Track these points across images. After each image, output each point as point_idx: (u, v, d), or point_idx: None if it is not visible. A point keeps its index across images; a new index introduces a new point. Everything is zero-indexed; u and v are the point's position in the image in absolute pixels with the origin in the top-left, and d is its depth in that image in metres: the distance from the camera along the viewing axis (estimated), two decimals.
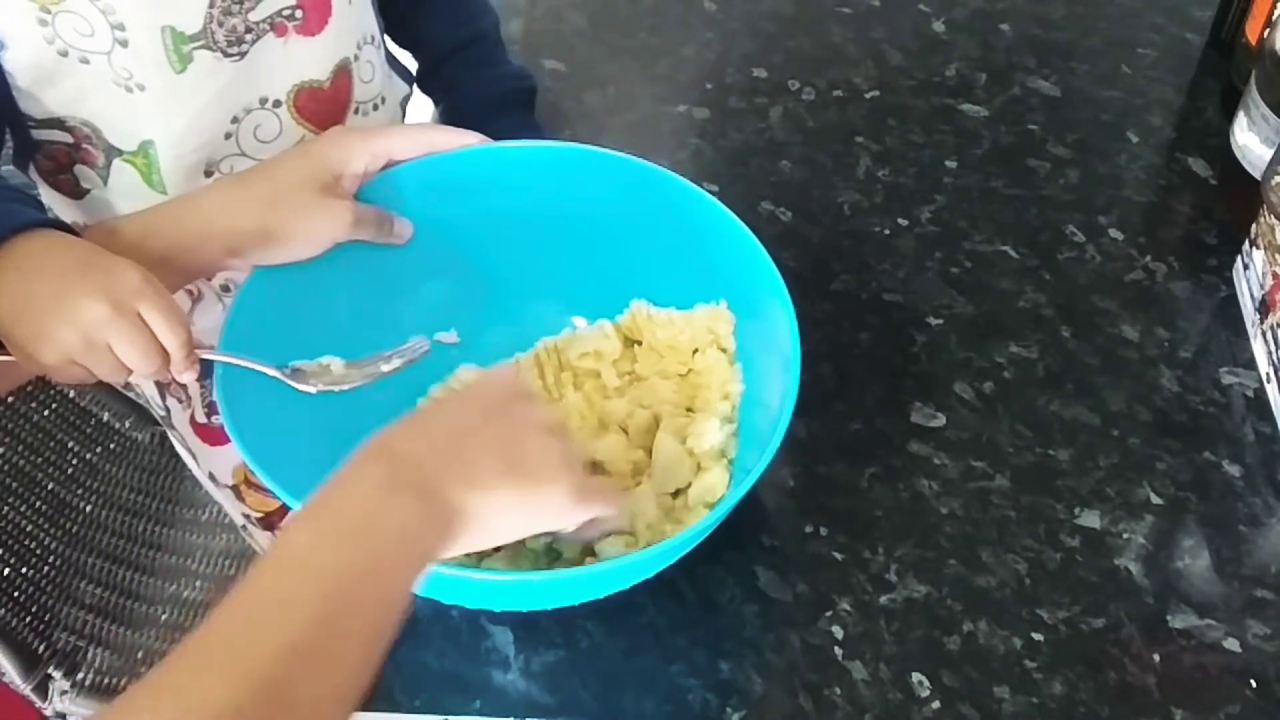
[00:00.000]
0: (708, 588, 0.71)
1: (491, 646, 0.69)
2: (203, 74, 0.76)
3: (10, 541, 1.06)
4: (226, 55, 0.76)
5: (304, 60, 0.81)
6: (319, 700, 0.45)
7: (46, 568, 1.09)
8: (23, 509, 1.10)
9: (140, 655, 1.11)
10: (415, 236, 0.76)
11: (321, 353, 0.70)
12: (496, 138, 0.77)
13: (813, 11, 1.14)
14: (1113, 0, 1.16)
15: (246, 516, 1.07)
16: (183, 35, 0.73)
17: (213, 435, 0.98)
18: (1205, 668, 0.68)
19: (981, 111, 1.04)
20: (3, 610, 1.01)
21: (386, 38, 0.93)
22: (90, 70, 0.73)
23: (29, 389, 1.14)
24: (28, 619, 1.04)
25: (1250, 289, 0.86)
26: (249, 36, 0.76)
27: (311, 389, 0.68)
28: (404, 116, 0.98)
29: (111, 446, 1.21)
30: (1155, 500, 0.76)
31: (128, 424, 1.23)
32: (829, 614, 0.70)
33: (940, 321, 0.87)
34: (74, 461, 1.17)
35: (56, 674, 1.04)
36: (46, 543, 1.10)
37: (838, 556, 0.73)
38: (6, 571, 1.04)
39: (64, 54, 0.72)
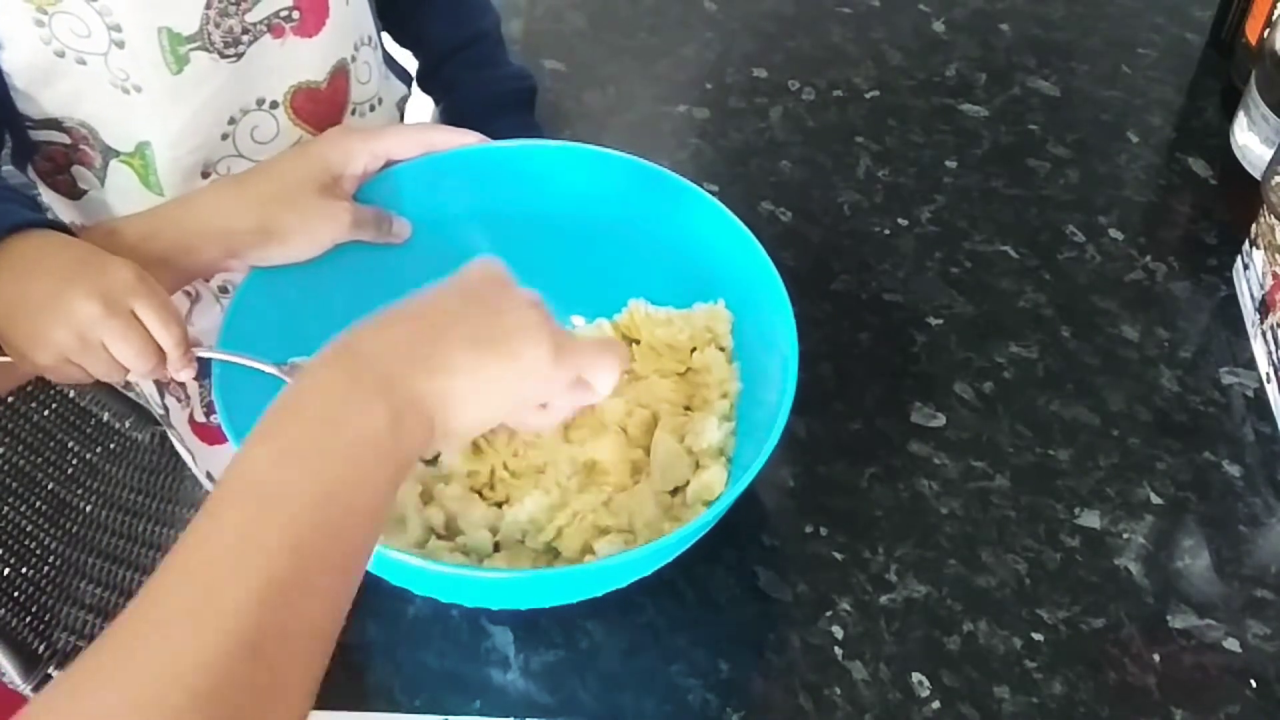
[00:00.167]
0: (708, 588, 0.71)
1: (491, 646, 0.69)
2: (199, 75, 0.76)
3: (10, 541, 1.06)
4: (223, 56, 0.76)
5: (301, 61, 0.81)
6: (298, 639, 0.41)
7: (46, 568, 1.09)
8: (23, 509, 1.10)
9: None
10: (414, 236, 0.76)
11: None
12: (496, 138, 0.77)
13: (813, 11, 1.14)
14: (1113, 0, 1.16)
15: None
16: (179, 36, 0.73)
17: (211, 434, 0.98)
18: (1205, 668, 0.68)
19: (981, 111, 1.04)
20: (3, 610, 1.01)
21: (386, 38, 0.93)
22: (87, 71, 0.73)
23: (29, 389, 1.14)
24: (28, 619, 1.04)
25: (1250, 289, 0.86)
26: (246, 38, 0.76)
27: None
28: (402, 117, 0.98)
29: (111, 446, 1.21)
30: (1155, 500, 0.76)
31: (128, 424, 1.23)
32: (829, 614, 0.70)
33: (940, 321, 0.87)
34: (74, 461, 1.17)
35: (56, 674, 1.04)
36: (46, 543, 1.10)
37: (838, 556, 0.73)
38: (6, 571, 1.04)
39: (61, 55, 0.72)
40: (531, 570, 0.65)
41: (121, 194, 0.81)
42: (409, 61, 0.98)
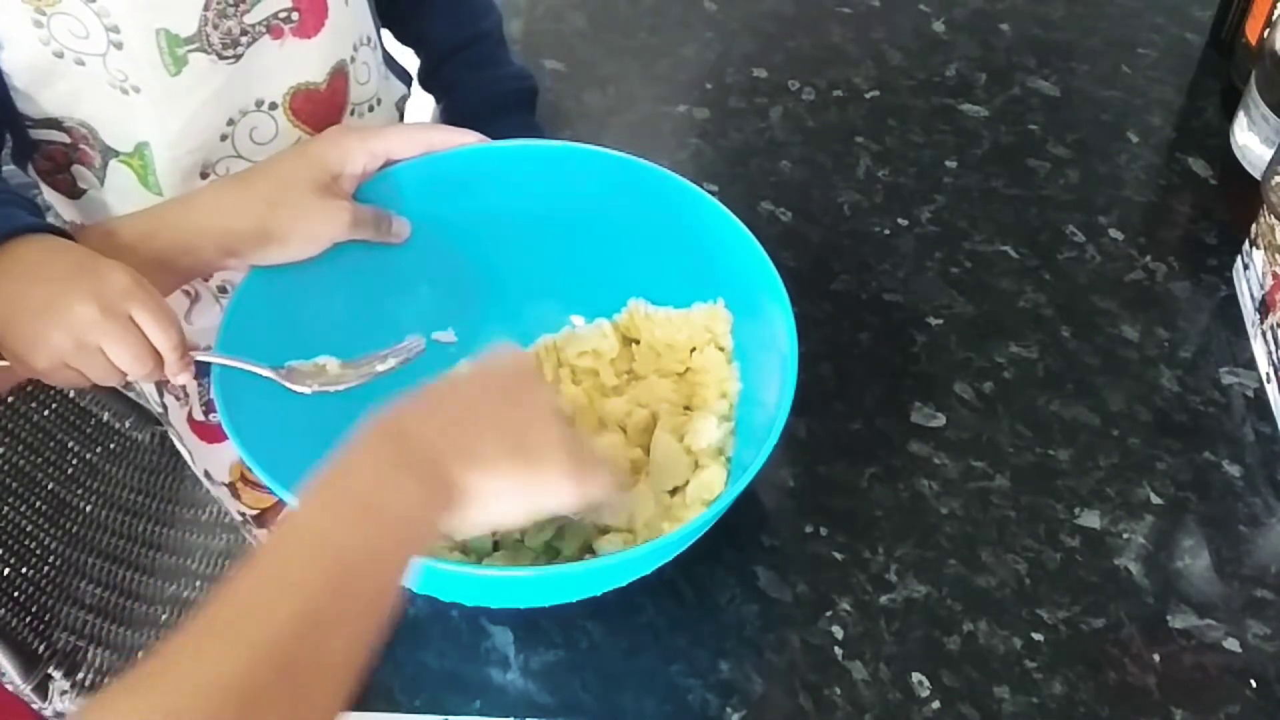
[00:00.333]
0: (707, 588, 0.71)
1: (491, 646, 0.69)
2: (198, 76, 0.76)
3: (10, 541, 1.06)
4: (222, 58, 0.76)
5: (300, 62, 0.81)
6: (322, 670, 0.45)
7: (46, 568, 1.09)
8: (23, 509, 1.10)
9: (140, 655, 1.11)
10: (413, 236, 0.76)
11: (319, 352, 0.70)
12: (497, 138, 0.77)
13: (813, 11, 1.14)
14: (1113, 0, 1.16)
15: (242, 514, 1.07)
16: (177, 38, 0.73)
17: (210, 433, 0.98)
18: (1205, 668, 0.68)
19: (981, 111, 1.04)
20: (3, 610, 1.01)
21: (386, 37, 0.93)
22: (86, 72, 0.73)
23: (29, 389, 1.14)
24: (28, 619, 1.04)
25: (1250, 289, 0.86)
26: (244, 39, 0.76)
27: (306, 389, 0.68)
28: (401, 117, 0.98)
29: (111, 446, 1.21)
30: (1155, 500, 0.76)
31: (128, 424, 1.23)
32: (829, 614, 0.70)
33: (940, 321, 0.86)
34: (74, 461, 1.17)
35: (56, 674, 1.04)
36: (46, 543, 1.10)
37: (838, 556, 0.73)
38: (6, 571, 1.04)
39: (59, 55, 0.72)
40: (531, 569, 0.65)
41: (121, 194, 0.81)
42: (409, 61, 0.98)
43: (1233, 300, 0.88)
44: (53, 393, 1.17)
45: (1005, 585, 0.72)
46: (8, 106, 0.75)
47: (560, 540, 0.67)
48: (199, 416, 0.98)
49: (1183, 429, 0.80)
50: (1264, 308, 0.83)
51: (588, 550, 0.67)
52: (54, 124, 0.77)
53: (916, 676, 0.68)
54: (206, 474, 1.04)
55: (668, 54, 1.10)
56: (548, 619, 0.70)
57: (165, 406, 1.00)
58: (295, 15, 0.78)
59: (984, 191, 0.97)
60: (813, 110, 1.04)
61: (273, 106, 0.81)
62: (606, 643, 0.69)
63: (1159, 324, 0.86)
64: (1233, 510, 0.76)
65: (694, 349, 0.76)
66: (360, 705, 0.66)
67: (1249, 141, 0.93)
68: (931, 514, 0.75)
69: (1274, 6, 0.96)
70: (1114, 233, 0.93)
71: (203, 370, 0.67)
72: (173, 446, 1.08)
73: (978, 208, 0.95)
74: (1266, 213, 0.83)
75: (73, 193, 0.82)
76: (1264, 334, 0.83)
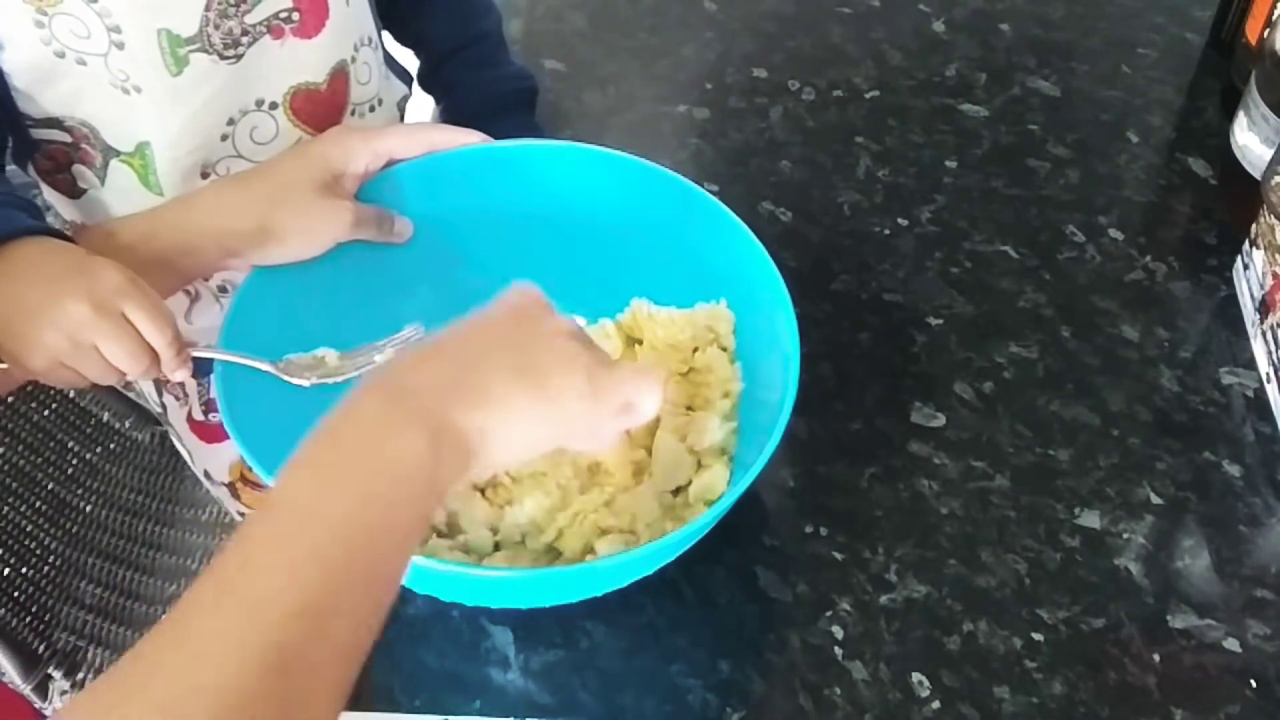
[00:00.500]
0: (708, 588, 0.71)
1: (491, 646, 0.69)
2: (199, 76, 0.76)
3: (10, 541, 1.06)
4: (223, 58, 0.76)
5: (300, 62, 0.81)
6: (325, 658, 0.42)
7: (46, 568, 1.09)
8: (23, 509, 1.10)
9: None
10: (415, 235, 0.76)
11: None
12: (497, 138, 0.77)
13: (813, 11, 1.14)
14: (1113, 0, 1.16)
15: (242, 514, 1.07)
16: (179, 38, 0.73)
17: (209, 433, 0.99)
18: (1205, 668, 0.68)
19: (981, 111, 1.04)
20: (3, 610, 1.01)
21: (387, 37, 0.93)
22: (87, 72, 0.73)
23: (29, 389, 1.14)
24: (28, 619, 1.04)
25: (1250, 289, 0.86)
26: (245, 39, 0.76)
27: (305, 382, 0.68)
28: (402, 118, 0.98)
29: (111, 446, 1.21)
30: (1155, 500, 0.76)
31: (128, 424, 1.23)
32: (829, 614, 0.70)
33: (940, 321, 0.87)
34: (74, 461, 1.17)
35: (56, 674, 1.04)
36: (46, 543, 1.10)
37: (838, 556, 0.73)
38: (6, 571, 1.04)
39: (61, 55, 0.72)
40: (531, 569, 0.65)
41: (121, 193, 0.81)
42: (410, 61, 0.98)
43: (1233, 300, 0.88)
44: (53, 393, 1.17)
45: (1005, 585, 0.72)
46: (8, 106, 0.75)
47: (561, 541, 0.67)
48: (199, 416, 0.98)
49: (1183, 429, 0.80)
50: (1264, 308, 0.83)
51: (589, 551, 0.67)
52: (55, 124, 0.77)
53: (916, 676, 0.68)
54: (206, 474, 1.04)
55: (668, 54, 1.10)
56: (548, 619, 0.70)
57: (165, 406, 1.00)
58: (296, 15, 0.78)
59: (984, 191, 0.97)
60: (813, 110, 1.04)
61: (273, 106, 0.81)
62: (606, 643, 0.69)
63: (1159, 324, 0.86)
64: (1233, 510, 0.76)
65: (697, 349, 0.76)
66: (360, 705, 0.66)
67: (1249, 141, 0.93)
68: (931, 514, 0.75)
69: (1274, 6, 0.96)
70: (1114, 233, 0.93)
71: (202, 369, 0.67)
72: (173, 446, 1.08)
73: (978, 208, 0.95)
74: (1266, 213, 0.83)
75: (73, 192, 0.82)
76: (1264, 334, 0.83)
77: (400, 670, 0.68)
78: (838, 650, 0.69)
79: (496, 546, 0.68)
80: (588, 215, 0.78)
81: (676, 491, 0.71)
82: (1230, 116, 0.97)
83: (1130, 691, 0.67)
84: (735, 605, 0.71)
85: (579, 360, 0.54)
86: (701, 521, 0.61)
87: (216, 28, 0.75)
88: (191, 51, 0.74)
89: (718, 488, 0.69)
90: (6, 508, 1.08)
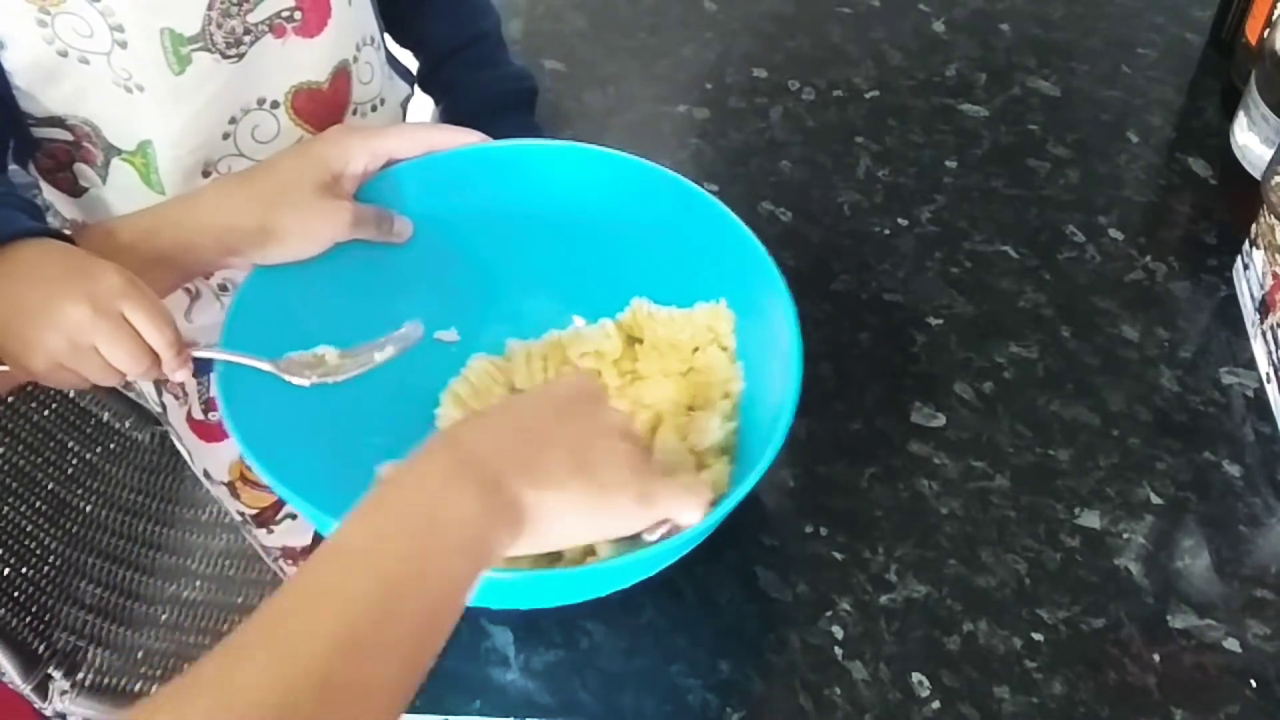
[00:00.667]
0: (708, 588, 0.71)
1: (491, 646, 0.69)
2: (201, 75, 0.76)
3: (10, 541, 1.06)
4: (225, 57, 0.76)
5: (302, 61, 0.81)
6: (363, 693, 0.43)
7: (46, 568, 1.09)
8: (23, 509, 1.10)
9: (140, 655, 1.11)
10: (415, 235, 0.76)
11: None
12: (497, 138, 0.77)
13: (813, 11, 1.14)
14: (1113, 0, 1.16)
15: (241, 514, 1.07)
16: (181, 37, 0.74)
17: (208, 432, 0.99)
18: (1205, 668, 0.68)
19: (981, 111, 1.04)
20: (3, 610, 1.01)
21: (387, 38, 0.93)
22: (90, 70, 0.74)
23: (29, 389, 1.14)
24: (28, 619, 1.04)
25: (1250, 289, 0.86)
26: (247, 38, 0.77)
27: (305, 382, 0.67)
28: (405, 117, 0.98)
29: (111, 446, 1.21)
30: (1155, 500, 0.76)
31: (128, 424, 1.23)
32: (829, 614, 0.70)
33: (940, 321, 0.87)
34: (74, 461, 1.17)
35: (56, 674, 1.04)
36: (46, 543, 1.10)
37: (838, 556, 0.73)
38: (6, 571, 1.05)
39: (64, 54, 0.72)
40: (533, 571, 0.65)
41: (123, 192, 0.81)
42: (412, 62, 0.98)
43: (1233, 300, 0.88)
44: (53, 393, 1.17)
45: (1005, 585, 0.72)
46: (10, 105, 0.75)
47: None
48: (198, 415, 0.98)
49: (1183, 429, 0.80)
50: (1264, 308, 0.83)
51: (590, 553, 0.67)
52: (57, 122, 0.77)
53: (916, 676, 0.68)
54: (206, 473, 1.04)
55: (668, 54, 1.10)
56: (548, 619, 0.70)
57: (164, 406, 1.00)
58: (298, 14, 0.78)
59: (984, 191, 0.97)
60: (813, 110, 1.04)
61: (275, 105, 0.81)
62: (606, 643, 0.69)
63: (1159, 324, 0.86)
64: (1233, 510, 0.76)
65: (697, 349, 0.76)
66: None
67: (1249, 141, 0.93)
68: (931, 514, 0.75)
69: (1274, 6, 0.96)
70: (1114, 233, 0.93)
71: (202, 369, 0.67)
72: (173, 446, 1.08)
73: (978, 208, 0.95)
74: (1266, 213, 0.83)
75: (74, 191, 0.82)
76: (1264, 334, 0.83)
77: None
78: (838, 650, 0.69)
79: None
80: (588, 215, 0.78)
81: None
82: (1230, 116, 0.97)
83: (1130, 691, 0.67)
84: (735, 605, 0.71)
85: (635, 465, 0.57)
86: (707, 520, 0.61)
87: (219, 27, 0.75)
88: (194, 50, 0.74)
89: (720, 487, 0.69)
90: (6, 508, 1.08)
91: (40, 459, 1.14)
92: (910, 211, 0.95)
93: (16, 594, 1.04)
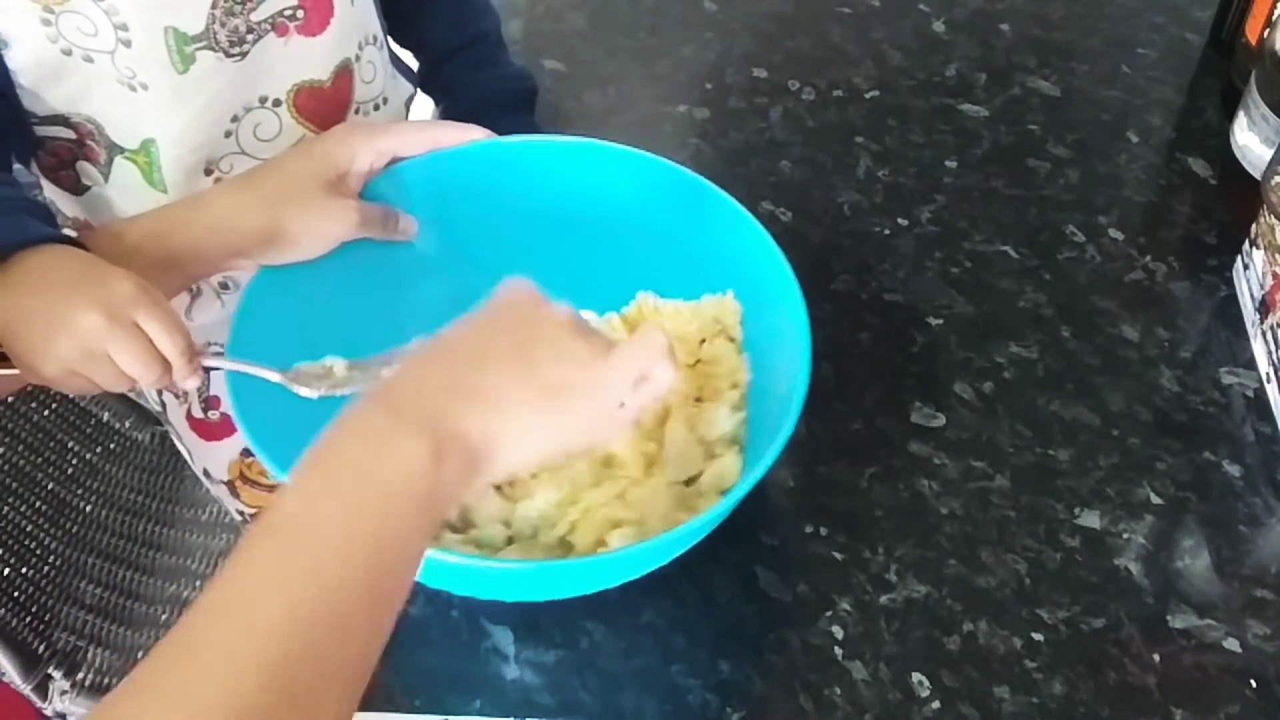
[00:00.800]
0: (708, 588, 0.71)
1: (491, 646, 0.69)
2: (205, 74, 0.76)
3: (10, 541, 1.06)
4: (228, 55, 0.76)
5: (305, 60, 0.81)
6: (328, 673, 0.41)
7: (46, 568, 1.09)
8: (23, 509, 1.10)
9: (140, 655, 1.10)
10: (421, 232, 0.76)
11: (327, 351, 0.70)
12: None
13: (813, 11, 1.14)
14: (1113, 0, 1.16)
15: (241, 513, 1.07)
16: (185, 36, 0.74)
17: (208, 430, 0.99)
18: (1205, 668, 0.68)
19: (981, 111, 1.04)
20: (3, 610, 1.01)
21: (389, 38, 0.93)
22: (94, 69, 0.74)
23: (29, 389, 1.14)
24: (28, 619, 1.04)
25: (1250, 289, 0.86)
26: (250, 36, 0.77)
27: (313, 393, 0.68)
28: (408, 116, 0.98)
29: (111, 446, 1.21)
30: (1155, 500, 0.76)
31: (128, 424, 1.23)
32: (829, 614, 0.70)
33: (940, 321, 0.87)
34: (74, 461, 1.17)
35: (56, 674, 1.04)
36: (46, 543, 1.10)
37: (838, 556, 0.73)
38: (6, 571, 1.05)
39: (67, 53, 0.73)
40: (544, 561, 0.65)
41: (125, 190, 0.81)
42: (414, 62, 0.98)
43: (1233, 300, 0.88)
44: (53, 393, 1.17)
45: (1005, 585, 0.72)
46: (14, 104, 0.75)
47: (573, 534, 0.67)
48: (198, 414, 0.98)
49: (1183, 429, 0.80)
50: (1264, 308, 0.83)
51: (601, 544, 0.67)
52: (60, 120, 0.77)
53: (916, 676, 0.68)
54: (205, 472, 1.04)
55: (668, 54, 1.10)
56: (548, 618, 0.70)
57: (164, 405, 1.00)
58: (301, 13, 0.78)
59: (984, 191, 0.97)
60: (813, 110, 1.04)
61: (277, 104, 0.81)
62: (606, 643, 0.69)
63: (1159, 324, 0.86)
64: (1233, 510, 0.76)
65: (704, 340, 0.76)
66: (360, 705, 0.66)
67: (1249, 141, 0.93)
68: (931, 514, 0.75)
69: (1274, 6, 0.96)
70: (1114, 233, 0.93)
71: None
72: (173, 446, 1.08)
73: (978, 208, 0.95)
74: (1266, 213, 0.83)
75: (76, 189, 0.83)
76: (1264, 334, 0.83)
77: (400, 670, 0.68)
78: (838, 650, 0.69)
79: (509, 540, 0.68)
80: (593, 210, 0.78)
81: (689, 482, 0.71)
82: (1230, 116, 0.97)
83: (1130, 691, 0.67)
84: (735, 605, 0.71)
85: (576, 351, 0.53)
86: (717, 510, 0.60)
87: (222, 25, 0.75)
88: (198, 49, 0.75)
89: (731, 477, 0.69)
90: (6, 508, 1.08)
91: (40, 459, 1.14)
92: (910, 211, 0.95)
93: (16, 594, 1.04)
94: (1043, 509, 0.75)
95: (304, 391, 0.67)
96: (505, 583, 0.65)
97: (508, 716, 0.66)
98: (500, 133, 0.78)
